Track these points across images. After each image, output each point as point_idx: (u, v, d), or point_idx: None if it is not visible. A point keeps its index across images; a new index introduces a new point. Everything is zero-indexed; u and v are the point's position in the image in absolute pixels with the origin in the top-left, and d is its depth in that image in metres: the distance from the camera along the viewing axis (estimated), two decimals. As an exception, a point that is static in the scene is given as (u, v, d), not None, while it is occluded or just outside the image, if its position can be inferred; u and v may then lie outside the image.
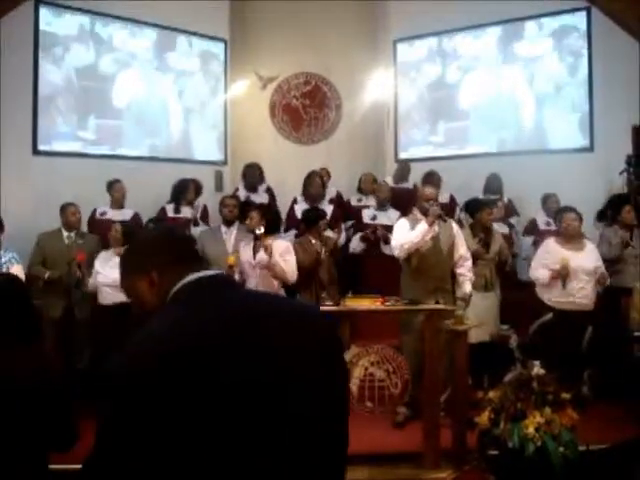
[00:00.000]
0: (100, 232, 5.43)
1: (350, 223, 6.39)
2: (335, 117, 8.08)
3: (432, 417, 3.73)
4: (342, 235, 6.04)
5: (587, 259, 4.76)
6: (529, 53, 7.13)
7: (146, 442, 1.04)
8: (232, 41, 7.61)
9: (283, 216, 6.03)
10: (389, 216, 6.13)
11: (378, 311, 4.00)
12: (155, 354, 1.07)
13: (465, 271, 4.57)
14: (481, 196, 6.17)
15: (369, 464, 3.58)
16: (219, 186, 7.31)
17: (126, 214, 5.90)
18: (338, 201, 6.66)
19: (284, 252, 4.55)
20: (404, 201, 5.96)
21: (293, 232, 5.96)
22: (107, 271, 4.63)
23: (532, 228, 6.22)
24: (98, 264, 4.78)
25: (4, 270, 4.44)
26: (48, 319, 4.46)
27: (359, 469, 3.50)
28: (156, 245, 1.33)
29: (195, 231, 5.67)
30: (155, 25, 7.04)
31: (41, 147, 6.25)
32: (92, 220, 5.90)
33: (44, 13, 6.32)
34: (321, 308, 3.51)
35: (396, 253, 4.52)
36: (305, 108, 8.07)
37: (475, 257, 4.78)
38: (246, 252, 4.68)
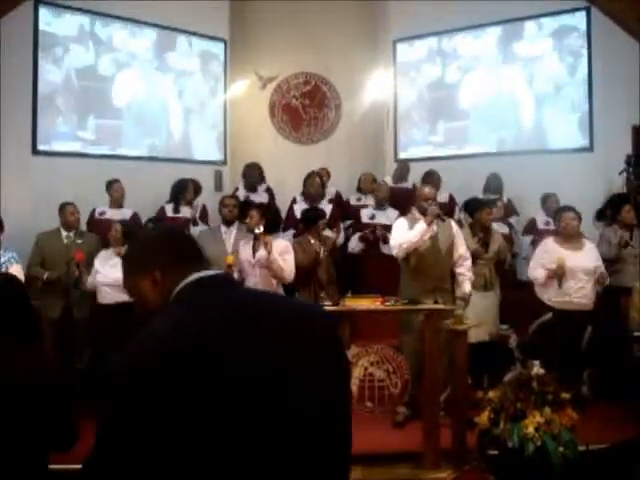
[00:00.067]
0: (99, 232, 5.44)
1: (349, 223, 6.38)
2: (335, 117, 8.07)
3: (432, 417, 3.73)
4: (341, 235, 6.04)
5: (586, 259, 4.75)
6: (529, 53, 7.13)
7: (146, 442, 1.04)
8: (232, 41, 7.61)
9: (283, 216, 6.03)
10: (388, 215, 6.12)
11: (378, 311, 3.99)
12: (158, 354, 1.07)
13: (464, 271, 4.57)
14: (481, 196, 6.17)
15: (369, 464, 3.57)
16: (219, 186, 7.31)
17: (125, 214, 5.90)
18: (337, 201, 6.65)
19: (283, 251, 4.56)
20: (403, 201, 5.95)
21: (291, 232, 5.96)
22: (107, 270, 4.64)
23: (531, 228, 6.21)
24: (98, 263, 4.78)
25: (3, 270, 4.44)
26: (47, 319, 4.45)
27: (359, 469, 3.49)
28: (158, 244, 1.33)
29: (194, 231, 5.65)
30: (155, 25, 7.03)
31: (41, 147, 6.25)
32: (91, 220, 5.90)
33: (44, 13, 6.32)
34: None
35: (395, 253, 4.52)
36: (305, 108, 8.06)
37: (474, 257, 4.78)
38: (245, 251, 4.69)
